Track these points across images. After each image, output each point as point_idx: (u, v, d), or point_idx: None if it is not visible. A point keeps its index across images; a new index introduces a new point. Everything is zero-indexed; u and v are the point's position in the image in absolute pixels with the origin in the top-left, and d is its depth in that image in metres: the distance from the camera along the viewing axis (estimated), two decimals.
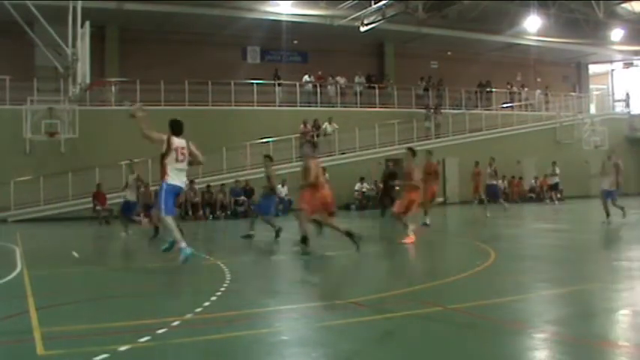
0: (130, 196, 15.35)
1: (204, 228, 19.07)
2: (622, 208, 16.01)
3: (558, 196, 28.59)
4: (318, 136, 26.14)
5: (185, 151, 9.11)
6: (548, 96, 34.14)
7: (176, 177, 9.06)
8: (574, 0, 30.36)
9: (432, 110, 29.16)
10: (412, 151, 12.69)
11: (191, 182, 22.45)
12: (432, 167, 16.61)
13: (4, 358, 4.77)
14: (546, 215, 22.29)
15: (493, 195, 20.35)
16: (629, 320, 5.74)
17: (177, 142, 9.09)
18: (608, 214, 15.55)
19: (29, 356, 4.70)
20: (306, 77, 27.93)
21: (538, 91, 34.20)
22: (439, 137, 28.89)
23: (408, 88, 29.97)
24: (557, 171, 28.05)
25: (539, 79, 35.29)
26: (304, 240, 10.55)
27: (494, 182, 20.19)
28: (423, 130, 28.59)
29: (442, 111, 29.45)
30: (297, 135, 25.64)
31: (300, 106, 27.17)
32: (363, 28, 26.90)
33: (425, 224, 15.46)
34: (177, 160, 9.01)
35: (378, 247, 12.60)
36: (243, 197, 23.03)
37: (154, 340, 5.02)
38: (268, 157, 14.07)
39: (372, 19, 26.64)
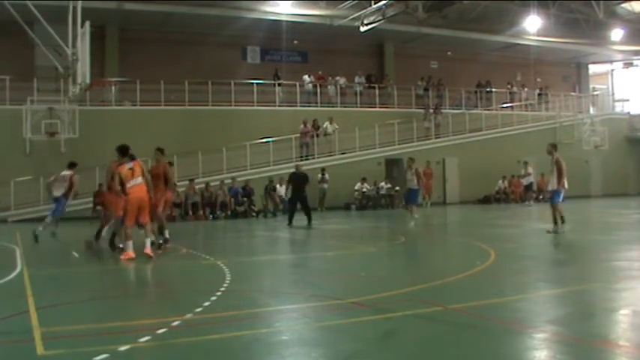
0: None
1: (204, 228, 19.07)
2: (561, 218, 13.09)
3: (534, 196, 27.67)
4: (318, 135, 26.15)
5: None
6: (549, 96, 34.12)
7: None
8: (574, 0, 30.36)
9: (432, 110, 29.14)
10: (161, 151, 12.06)
11: (191, 181, 22.45)
12: (160, 169, 12.47)
13: (4, 358, 4.77)
14: (534, 216, 22.28)
15: (413, 200, 17.79)
16: (629, 320, 5.74)
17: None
18: (555, 221, 13.10)
19: (29, 356, 4.70)
20: (305, 77, 27.92)
21: (538, 91, 34.19)
22: (439, 137, 28.88)
23: (407, 88, 29.97)
24: (530, 170, 26.78)
25: (539, 79, 35.29)
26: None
27: (416, 187, 17.40)
28: (422, 130, 28.58)
29: (442, 111, 29.41)
30: (298, 135, 25.66)
31: (300, 106, 27.17)
32: (363, 28, 26.90)
33: (165, 241, 11.89)
34: None
35: (377, 247, 12.60)
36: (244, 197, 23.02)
37: (154, 340, 5.03)
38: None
39: (372, 19, 26.63)
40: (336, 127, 26.35)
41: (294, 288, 7.97)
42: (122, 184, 10.40)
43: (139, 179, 10.45)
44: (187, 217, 21.75)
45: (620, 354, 4.60)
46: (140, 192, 10.37)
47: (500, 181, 29.14)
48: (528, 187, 27.12)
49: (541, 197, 27.27)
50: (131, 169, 10.49)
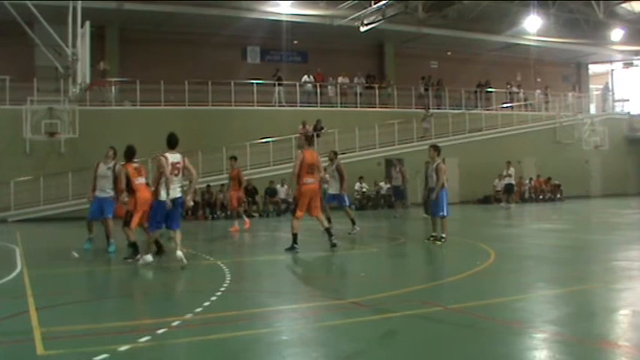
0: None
1: (204, 228, 19.07)
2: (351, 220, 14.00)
3: (515, 199, 26.67)
4: (319, 136, 26.12)
5: (179, 166, 9.27)
6: (548, 96, 34.12)
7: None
8: (574, 0, 30.35)
9: (428, 110, 29.04)
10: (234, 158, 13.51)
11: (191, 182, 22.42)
12: (235, 172, 15.90)
13: (4, 358, 4.77)
14: (534, 216, 22.27)
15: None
16: (629, 320, 5.74)
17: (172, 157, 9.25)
18: (353, 222, 13.95)
19: (29, 356, 4.70)
20: (305, 77, 27.90)
21: (538, 91, 34.17)
22: (439, 137, 28.81)
23: (407, 88, 29.96)
24: (512, 172, 25.50)
25: (539, 79, 35.28)
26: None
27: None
28: (422, 130, 28.57)
29: (431, 110, 29.10)
30: (297, 135, 25.63)
31: (300, 106, 27.16)
32: (363, 28, 26.88)
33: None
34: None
35: (377, 247, 12.59)
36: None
37: (154, 340, 5.03)
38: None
39: (372, 19, 26.62)
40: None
41: (294, 288, 7.97)
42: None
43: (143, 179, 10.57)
44: (187, 217, 21.74)
45: (620, 354, 4.61)
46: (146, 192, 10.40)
47: (497, 181, 29.02)
48: (508, 188, 25.74)
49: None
50: (137, 168, 10.55)
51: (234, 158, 16.66)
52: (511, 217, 21.22)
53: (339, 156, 25.86)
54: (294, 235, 10.72)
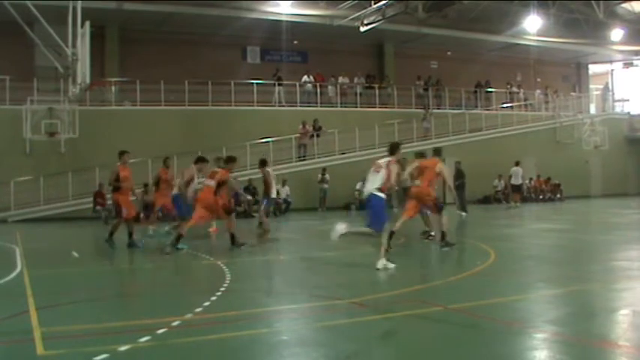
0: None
1: (203, 228, 19.04)
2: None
3: (515, 199, 25.56)
4: (319, 135, 26.13)
5: None
6: (549, 96, 34.13)
7: None
8: (574, 0, 30.36)
9: (428, 110, 29.04)
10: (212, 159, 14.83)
11: (190, 182, 22.42)
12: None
13: (4, 358, 4.77)
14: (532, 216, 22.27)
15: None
16: (629, 320, 5.74)
17: None
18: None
19: (29, 356, 4.70)
20: (305, 77, 27.90)
21: (538, 91, 34.17)
22: (439, 137, 28.82)
23: (407, 88, 29.96)
24: (514, 172, 25.13)
25: (539, 79, 35.28)
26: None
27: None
28: (422, 130, 28.56)
29: (431, 110, 29.14)
30: (297, 135, 25.65)
31: (300, 106, 27.17)
32: (363, 28, 26.88)
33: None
34: None
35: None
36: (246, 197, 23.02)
37: (154, 340, 5.03)
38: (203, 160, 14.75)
39: (372, 19, 26.62)
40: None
41: (294, 288, 7.97)
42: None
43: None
44: (187, 217, 21.72)
45: (620, 354, 4.61)
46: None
47: (497, 181, 29.04)
48: (516, 187, 25.40)
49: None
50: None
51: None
52: (511, 217, 21.22)
53: (341, 155, 26.12)
54: (443, 233, 11.09)
